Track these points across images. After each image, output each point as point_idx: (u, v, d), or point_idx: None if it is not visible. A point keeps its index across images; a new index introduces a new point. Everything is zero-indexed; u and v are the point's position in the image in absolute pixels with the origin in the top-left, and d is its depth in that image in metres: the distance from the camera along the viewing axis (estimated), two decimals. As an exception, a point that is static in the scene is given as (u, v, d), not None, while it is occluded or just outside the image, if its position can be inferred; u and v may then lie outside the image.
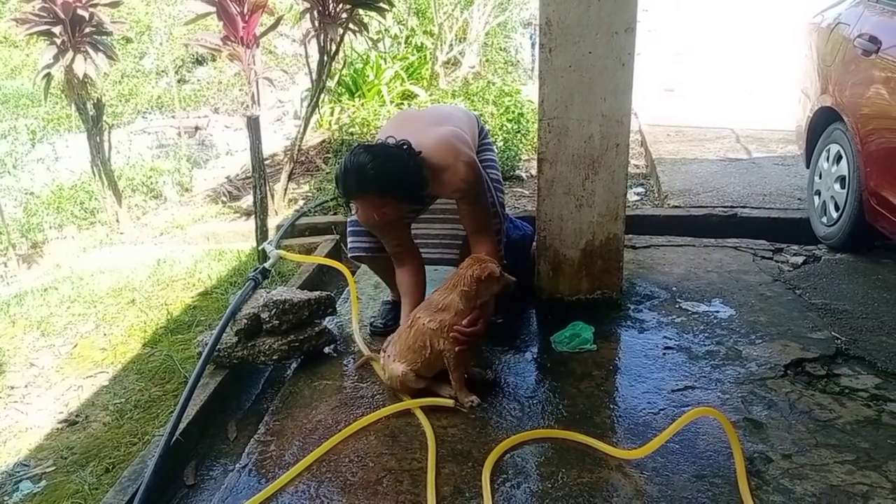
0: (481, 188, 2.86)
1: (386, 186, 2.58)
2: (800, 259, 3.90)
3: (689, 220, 4.67)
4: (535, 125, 3.18)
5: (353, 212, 2.96)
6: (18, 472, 2.84)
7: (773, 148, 6.31)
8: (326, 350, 3.15)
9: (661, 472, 2.26)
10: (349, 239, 3.20)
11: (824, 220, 4.14)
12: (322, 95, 5.89)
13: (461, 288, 2.58)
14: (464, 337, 2.57)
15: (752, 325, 3.19)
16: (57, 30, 5.05)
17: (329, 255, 4.38)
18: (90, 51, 5.16)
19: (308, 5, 5.16)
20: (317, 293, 3.19)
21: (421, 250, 3.07)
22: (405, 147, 2.65)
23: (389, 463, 2.37)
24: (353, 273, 3.70)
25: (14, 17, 5.38)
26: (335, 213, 5.28)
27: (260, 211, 4.37)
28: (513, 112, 6.26)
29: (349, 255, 3.25)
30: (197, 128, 8.08)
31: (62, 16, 4.96)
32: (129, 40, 9.17)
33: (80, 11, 5.02)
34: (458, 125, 3.00)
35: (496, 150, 3.38)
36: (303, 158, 6.71)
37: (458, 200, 2.83)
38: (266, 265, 3.65)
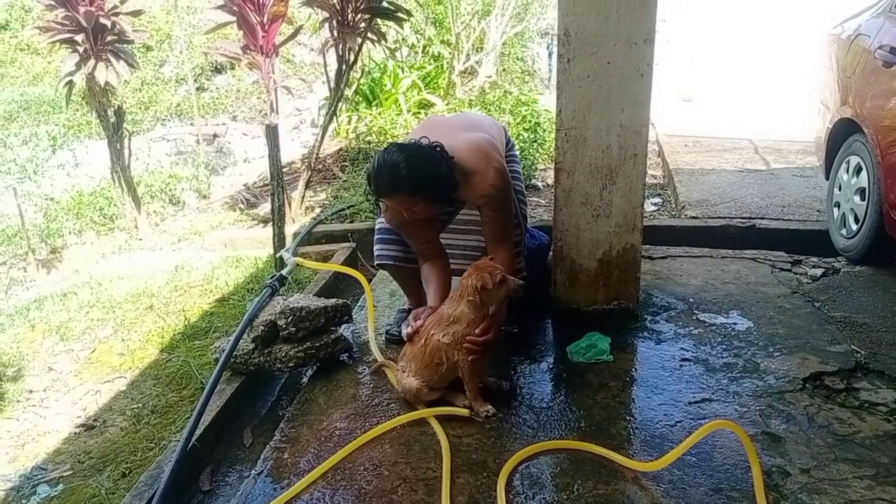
0: (508, 196, 2.87)
1: (417, 186, 2.59)
2: (819, 271, 3.87)
3: (707, 230, 4.65)
4: (552, 135, 3.19)
5: (381, 211, 2.95)
6: (36, 475, 2.87)
7: (792, 159, 6.28)
8: (342, 357, 3.15)
9: (677, 486, 2.24)
10: (376, 246, 3.19)
11: (844, 232, 4.11)
12: (340, 104, 5.91)
13: (466, 298, 2.58)
14: (477, 347, 2.57)
15: (771, 337, 3.16)
16: (79, 38, 5.11)
17: (345, 263, 4.40)
18: (112, 59, 5.22)
19: (327, 15, 5.19)
20: (333, 301, 3.20)
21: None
22: (438, 149, 2.66)
23: (404, 472, 2.37)
24: (370, 281, 3.70)
25: (37, 26, 5.44)
26: (352, 222, 5.30)
27: (277, 218, 4.40)
28: (529, 121, 6.26)
29: (375, 262, 3.24)
30: (215, 135, 8.15)
31: (85, 24, 5.03)
32: (149, 48, 9.28)
33: (102, 20, 5.09)
34: (489, 133, 3.02)
35: (519, 162, 3.39)
36: (320, 167, 6.74)
37: (483, 206, 2.83)
38: (283, 272, 3.67)
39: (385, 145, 2.71)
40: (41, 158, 7.35)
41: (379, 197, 2.72)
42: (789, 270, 3.90)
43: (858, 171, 3.94)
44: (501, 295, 2.60)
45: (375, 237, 3.20)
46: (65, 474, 2.85)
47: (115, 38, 5.28)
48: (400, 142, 2.80)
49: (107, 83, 5.22)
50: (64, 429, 3.20)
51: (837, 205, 4.25)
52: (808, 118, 5.00)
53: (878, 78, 3.75)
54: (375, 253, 3.20)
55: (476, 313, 2.58)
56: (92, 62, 5.13)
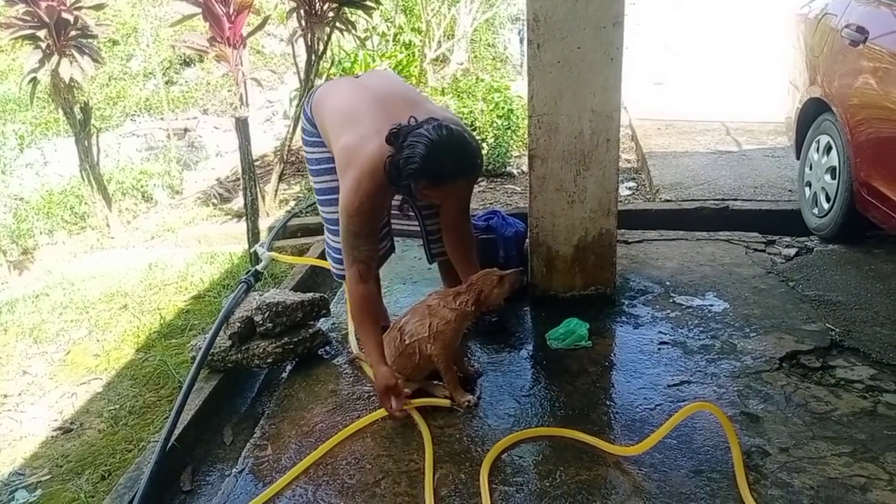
0: None
1: (481, 162, 2.51)
2: (792, 251, 3.90)
3: (681, 213, 4.68)
4: (525, 121, 3.18)
5: (393, 205, 2.72)
6: (14, 481, 2.82)
7: (764, 140, 6.33)
8: (321, 352, 3.14)
9: (658, 468, 2.26)
10: (330, 261, 3.08)
11: (816, 211, 4.15)
12: (311, 95, 5.85)
13: (463, 308, 2.56)
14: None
15: (747, 318, 3.19)
16: (42, 34, 5.01)
17: (321, 256, 4.36)
18: (76, 54, 5.12)
19: (294, 5, 5.13)
20: (310, 295, 3.18)
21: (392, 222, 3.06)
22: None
23: (387, 465, 2.37)
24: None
25: (-2, 22, 5.33)
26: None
27: (251, 213, 4.35)
28: (502, 108, 6.23)
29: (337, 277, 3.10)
30: (186, 129, 8.04)
31: (46, 20, 4.92)
32: (115, 42, 9.11)
33: (64, 15, 4.98)
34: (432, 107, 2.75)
35: None
36: (293, 159, 6.68)
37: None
38: (258, 267, 3.64)
39: (423, 127, 2.35)
40: (9, 158, 7.21)
41: (453, 181, 2.39)
42: (763, 251, 3.94)
43: (828, 150, 3.98)
44: (505, 293, 2.59)
45: (338, 256, 2.97)
46: (43, 479, 2.81)
47: (79, 32, 5.17)
48: (436, 119, 2.42)
49: (72, 79, 5.12)
50: (40, 433, 3.15)
51: (809, 184, 4.29)
52: (779, 99, 5.03)
53: (845, 57, 3.78)
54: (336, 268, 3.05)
55: (460, 319, 2.58)
56: (55, 58, 5.03)
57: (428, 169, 2.31)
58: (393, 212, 3.03)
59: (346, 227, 2.52)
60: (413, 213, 3.03)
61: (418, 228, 3.06)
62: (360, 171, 2.44)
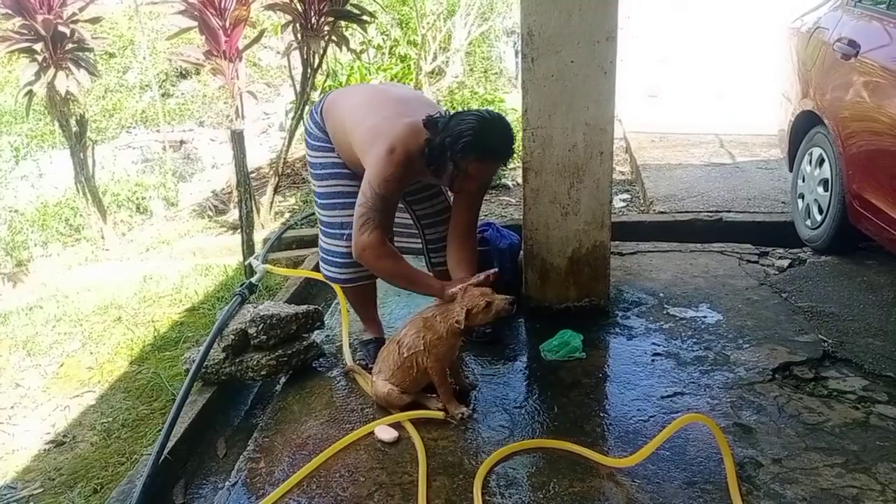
0: None
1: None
2: (785, 262, 3.92)
3: (675, 225, 4.69)
4: (520, 134, 3.19)
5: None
6: (6, 494, 2.81)
7: (757, 152, 6.36)
8: (315, 364, 3.13)
9: (652, 480, 2.26)
10: (327, 267, 3.04)
11: (808, 222, 4.17)
12: (306, 107, 5.87)
13: (452, 322, 2.55)
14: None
15: (740, 329, 3.20)
16: (38, 47, 5.03)
17: (316, 269, 4.36)
18: (72, 67, 5.14)
19: (290, 18, 5.15)
20: (304, 307, 3.18)
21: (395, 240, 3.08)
22: None
23: (380, 477, 2.36)
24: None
25: (-6, 35, 5.34)
26: (322, 226, 5.25)
27: (246, 225, 4.36)
28: (497, 121, 6.25)
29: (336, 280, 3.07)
30: (182, 141, 8.05)
31: (43, 33, 4.94)
32: (111, 55, 9.14)
33: (60, 28, 5.00)
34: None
35: None
36: (288, 171, 6.70)
37: (477, 189, 2.77)
38: (253, 280, 3.64)
39: (473, 110, 2.62)
40: (4, 170, 7.21)
41: (498, 159, 2.62)
42: (756, 262, 3.95)
43: (821, 162, 4.00)
44: (490, 319, 2.56)
45: (337, 260, 2.99)
46: (35, 492, 2.80)
47: (75, 45, 5.19)
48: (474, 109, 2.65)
49: (68, 92, 5.13)
50: (33, 446, 3.14)
51: (801, 196, 4.31)
52: (772, 111, 5.06)
53: (837, 70, 3.81)
54: (329, 273, 3.05)
55: (452, 334, 2.57)
56: (52, 71, 5.05)
57: (480, 142, 2.47)
58: (396, 229, 3.07)
59: (375, 192, 2.56)
60: (415, 230, 3.13)
61: (419, 245, 3.11)
62: (393, 140, 2.55)
